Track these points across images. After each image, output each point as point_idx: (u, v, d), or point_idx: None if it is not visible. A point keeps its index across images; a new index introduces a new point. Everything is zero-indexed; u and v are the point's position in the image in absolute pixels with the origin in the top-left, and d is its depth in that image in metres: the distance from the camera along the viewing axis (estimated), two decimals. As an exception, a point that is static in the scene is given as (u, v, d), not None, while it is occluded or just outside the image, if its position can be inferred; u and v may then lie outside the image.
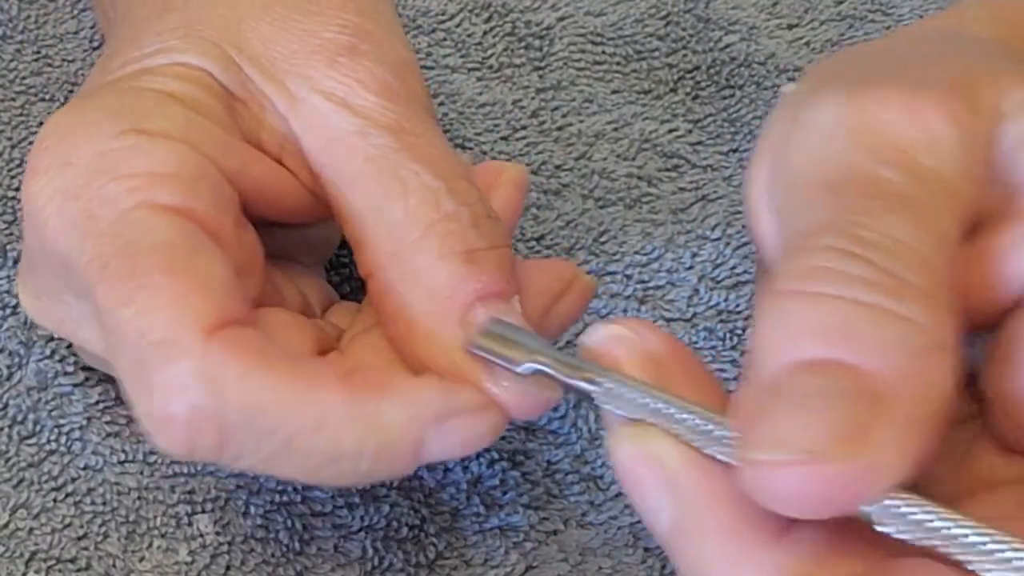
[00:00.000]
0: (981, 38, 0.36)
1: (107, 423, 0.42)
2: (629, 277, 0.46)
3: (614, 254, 0.47)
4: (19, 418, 0.42)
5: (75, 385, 0.43)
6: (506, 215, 0.40)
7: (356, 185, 0.38)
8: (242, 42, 0.39)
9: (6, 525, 0.41)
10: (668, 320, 0.45)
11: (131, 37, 0.40)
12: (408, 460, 0.36)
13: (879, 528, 0.29)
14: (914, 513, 0.28)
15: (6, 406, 0.43)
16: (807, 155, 0.33)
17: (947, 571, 0.28)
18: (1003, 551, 0.27)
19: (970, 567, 0.28)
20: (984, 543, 0.28)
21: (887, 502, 0.28)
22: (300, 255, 0.42)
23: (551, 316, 0.39)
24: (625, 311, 0.45)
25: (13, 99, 0.49)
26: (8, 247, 0.45)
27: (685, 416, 0.31)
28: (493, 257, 0.37)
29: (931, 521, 0.28)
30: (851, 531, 0.29)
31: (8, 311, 0.44)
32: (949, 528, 0.28)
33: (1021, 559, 0.27)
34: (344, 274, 0.45)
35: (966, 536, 0.28)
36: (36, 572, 0.40)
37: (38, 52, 0.51)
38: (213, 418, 0.35)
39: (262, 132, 0.39)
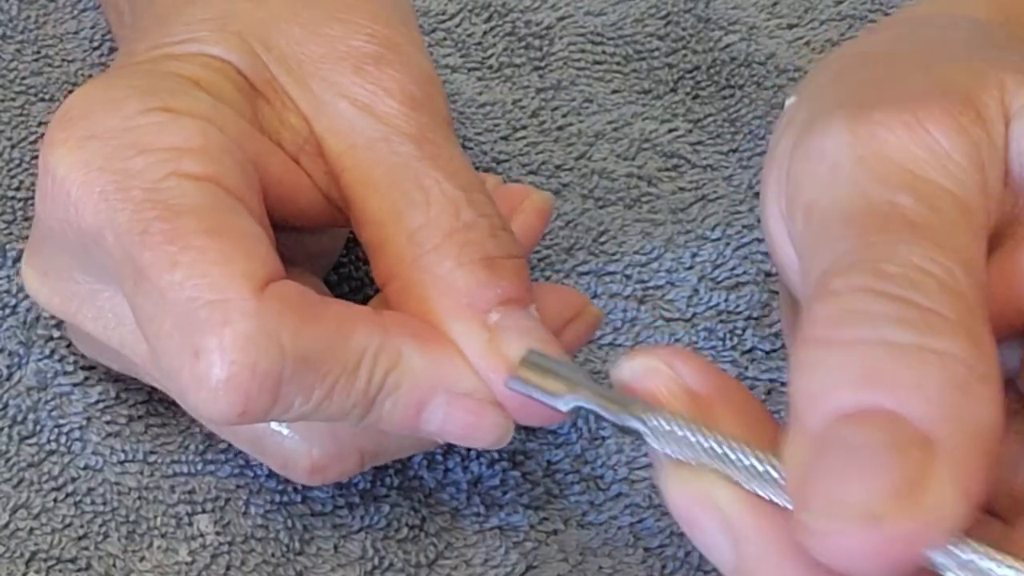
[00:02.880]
0: (979, 20, 0.36)
1: (107, 423, 0.42)
2: (629, 277, 0.46)
3: (614, 254, 0.47)
4: (19, 418, 0.42)
5: (75, 385, 0.43)
6: (525, 240, 0.40)
7: (377, 191, 0.38)
8: (270, 40, 0.40)
9: (6, 525, 0.41)
10: (668, 320, 0.45)
11: (159, 24, 0.41)
12: (409, 414, 0.36)
13: (945, 574, 0.28)
14: (977, 559, 0.28)
15: (6, 406, 0.43)
16: (819, 186, 0.32)
17: None
18: None
19: None
20: None
21: (951, 548, 0.28)
22: (301, 263, 0.42)
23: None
24: (625, 311, 0.45)
25: (13, 99, 0.49)
26: (8, 246, 0.45)
27: (737, 457, 0.31)
28: (511, 265, 0.37)
29: (995, 568, 0.28)
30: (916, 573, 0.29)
31: (8, 311, 0.44)
32: (1012, 573, 0.28)
33: None
34: (343, 274, 0.45)
35: None
36: (36, 572, 0.40)
37: (38, 52, 0.51)
38: (273, 375, 0.35)
39: (283, 130, 0.39)
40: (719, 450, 0.31)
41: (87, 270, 0.38)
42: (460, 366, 0.36)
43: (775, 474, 0.30)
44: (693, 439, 0.31)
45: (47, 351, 0.43)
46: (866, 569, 0.28)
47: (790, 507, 0.29)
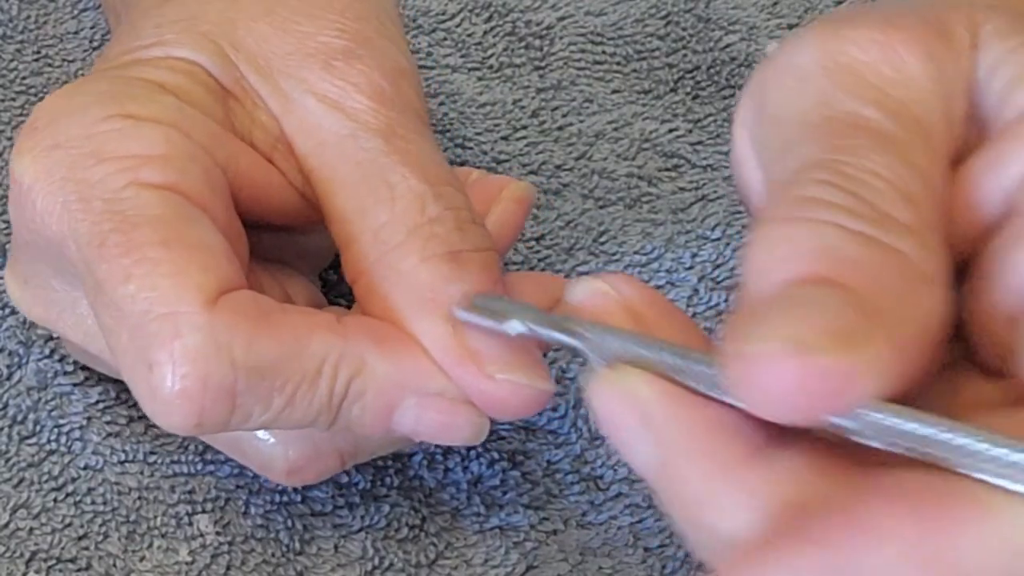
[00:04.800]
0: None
1: (107, 423, 0.42)
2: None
3: (614, 254, 0.47)
4: (19, 418, 0.42)
5: (75, 385, 0.43)
6: (505, 230, 0.40)
7: (345, 188, 0.38)
8: (238, 39, 0.40)
9: (6, 525, 0.41)
10: (668, 320, 0.45)
11: (131, 27, 0.41)
12: (379, 419, 0.37)
13: (859, 439, 0.29)
14: (898, 421, 0.28)
15: (6, 406, 0.43)
16: (786, 96, 0.33)
17: (931, 477, 0.28)
18: (993, 449, 0.27)
19: (961, 470, 0.28)
20: (972, 444, 0.27)
21: (868, 412, 0.28)
22: (292, 262, 0.42)
23: None
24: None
25: (13, 99, 0.49)
26: (7, 246, 0.45)
27: (664, 356, 0.31)
28: (478, 259, 0.37)
29: (915, 428, 0.28)
30: (828, 453, 0.29)
31: (8, 311, 0.44)
32: (935, 433, 0.28)
33: (1012, 455, 0.27)
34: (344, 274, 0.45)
35: (952, 439, 0.28)
36: (36, 572, 0.40)
37: (38, 52, 0.51)
38: (225, 387, 0.35)
39: (255, 130, 0.39)
40: (646, 352, 0.31)
41: (63, 277, 0.38)
42: (426, 368, 0.36)
43: (700, 368, 0.30)
44: (624, 346, 0.32)
45: (47, 351, 0.43)
46: (787, 408, 0.28)
47: (722, 398, 0.30)
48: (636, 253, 0.47)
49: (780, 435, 0.30)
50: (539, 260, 0.47)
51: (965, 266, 0.32)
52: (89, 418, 0.42)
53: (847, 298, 0.28)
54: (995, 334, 0.31)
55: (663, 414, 0.30)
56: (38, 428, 0.42)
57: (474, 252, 0.37)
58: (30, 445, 0.42)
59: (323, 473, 0.39)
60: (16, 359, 0.43)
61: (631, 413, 0.31)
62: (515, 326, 0.35)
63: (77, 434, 0.42)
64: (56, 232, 0.37)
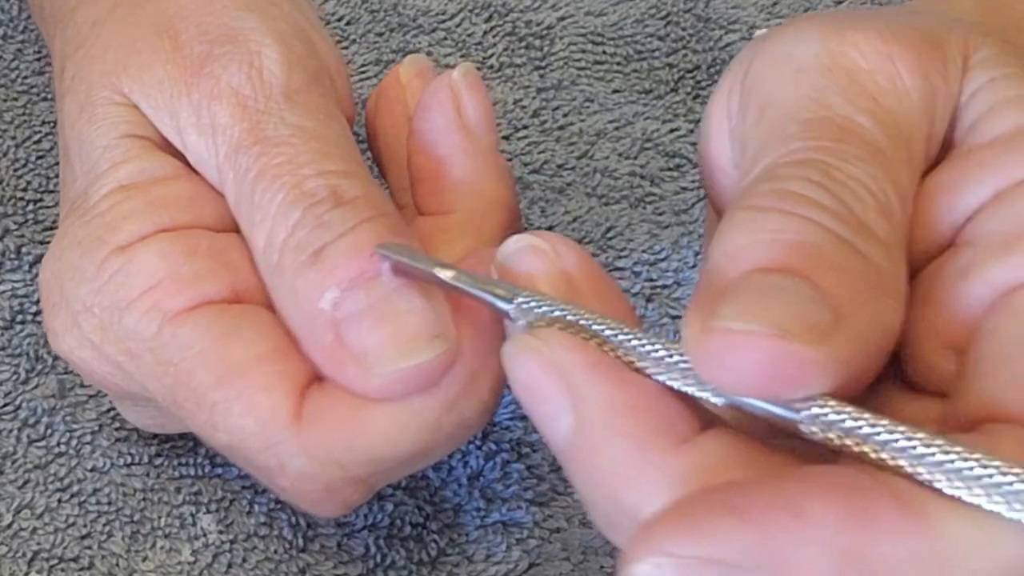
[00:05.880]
0: (964, 20, 0.37)
1: (116, 429, 0.42)
2: (637, 275, 0.46)
3: (622, 250, 0.47)
4: (30, 421, 0.42)
5: (91, 396, 0.43)
6: (483, 119, 0.39)
7: (236, 216, 0.37)
8: (131, 93, 0.38)
9: (9, 525, 0.41)
10: (673, 318, 0.45)
11: (75, 152, 0.39)
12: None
13: (808, 433, 0.29)
14: (841, 416, 0.28)
15: (18, 408, 0.42)
16: (781, 85, 0.33)
17: (864, 474, 0.28)
18: (936, 453, 0.27)
19: (900, 470, 0.28)
20: (915, 446, 0.28)
21: (817, 408, 0.29)
22: None
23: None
24: (634, 308, 0.45)
25: (15, 99, 0.49)
26: (23, 249, 0.45)
27: (595, 327, 0.31)
28: (341, 245, 0.35)
29: (860, 424, 0.28)
30: (751, 443, 0.30)
31: (28, 316, 0.44)
32: (880, 433, 0.28)
33: (957, 461, 0.27)
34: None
35: (893, 439, 0.28)
36: (38, 572, 0.40)
37: (39, 52, 0.51)
38: (348, 479, 0.35)
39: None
40: (579, 322, 0.31)
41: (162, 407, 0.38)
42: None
43: (634, 342, 0.30)
44: (556, 315, 0.31)
45: (70, 366, 0.43)
46: (747, 385, 0.28)
47: (655, 374, 0.30)
48: (644, 252, 0.47)
49: (701, 421, 0.30)
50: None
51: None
52: (101, 425, 0.42)
53: (817, 294, 0.29)
54: (928, 356, 0.31)
55: (587, 384, 0.30)
56: (49, 432, 0.42)
57: (338, 240, 0.35)
58: (38, 448, 0.42)
59: (348, 503, 0.37)
60: (32, 365, 0.43)
61: (552, 380, 0.30)
62: (446, 274, 0.34)
63: (88, 439, 0.42)
64: (125, 388, 0.37)
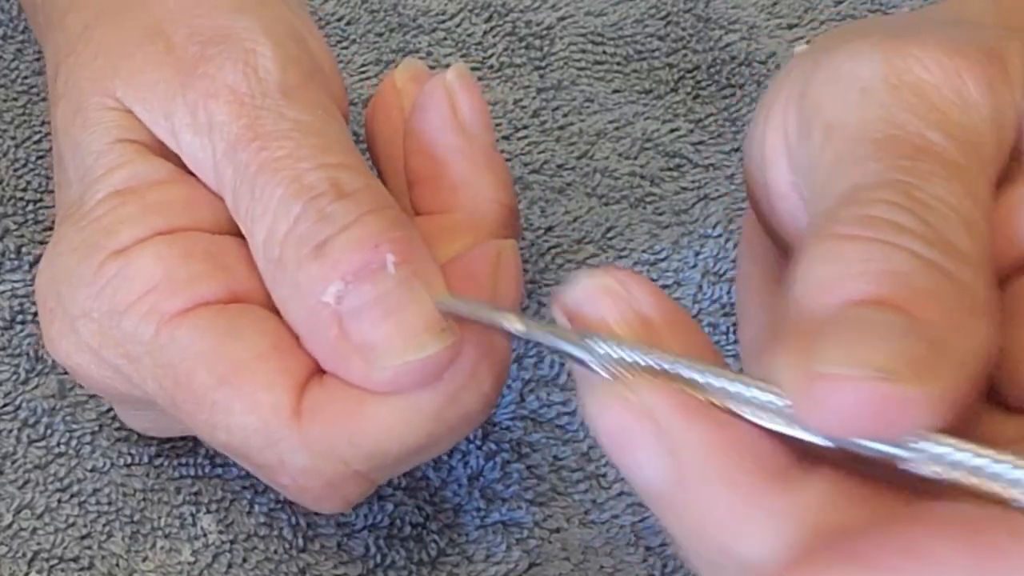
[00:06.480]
0: (984, 24, 0.36)
1: (116, 429, 0.42)
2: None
3: (622, 250, 0.47)
4: (30, 421, 0.42)
5: (90, 396, 0.43)
6: (476, 119, 0.39)
7: (235, 213, 0.37)
8: (124, 98, 0.38)
9: (9, 525, 0.41)
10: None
11: (70, 157, 0.39)
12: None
13: (916, 469, 0.28)
14: (952, 450, 0.28)
15: (18, 408, 0.42)
16: (845, 107, 0.32)
17: (984, 509, 0.27)
18: None
19: (1015, 503, 0.27)
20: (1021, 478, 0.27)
21: (924, 443, 0.28)
22: None
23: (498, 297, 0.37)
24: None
25: (15, 99, 0.49)
26: (23, 249, 0.45)
27: (679, 368, 0.30)
28: (344, 238, 0.35)
29: (968, 458, 0.28)
30: (856, 480, 0.29)
31: (28, 317, 0.44)
32: (987, 465, 0.28)
33: None
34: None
35: (1007, 470, 0.27)
36: (38, 572, 0.40)
37: (39, 52, 0.51)
38: (351, 474, 0.36)
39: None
40: (665, 367, 0.30)
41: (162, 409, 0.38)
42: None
43: (722, 384, 0.29)
44: (640, 359, 0.30)
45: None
46: (850, 428, 0.28)
47: (749, 417, 0.29)
48: (644, 252, 0.47)
49: (802, 460, 0.29)
50: (549, 248, 0.47)
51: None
52: (101, 425, 0.42)
53: (916, 326, 0.28)
54: (1020, 376, 0.31)
55: (681, 429, 0.29)
56: (49, 432, 0.42)
57: (340, 233, 0.35)
58: (38, 448, 0.42)
59: (349, 499, 0.37)
60: (32, 365, 0.43)
61: (643, 428, 0.29)
62: (512, 322, 0.33)
63: (88, 439, 0.42)
64: (123, 391, 0.37)
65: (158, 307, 0.36)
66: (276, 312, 0.36)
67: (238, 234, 0.37)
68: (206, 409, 0.35)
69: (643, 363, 0.30)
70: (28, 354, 0.43)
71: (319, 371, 0.36)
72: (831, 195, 0.31)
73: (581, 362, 0.31)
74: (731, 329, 0.45)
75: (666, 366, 0.30)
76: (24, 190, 0.47)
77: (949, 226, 0.30)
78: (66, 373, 0.43)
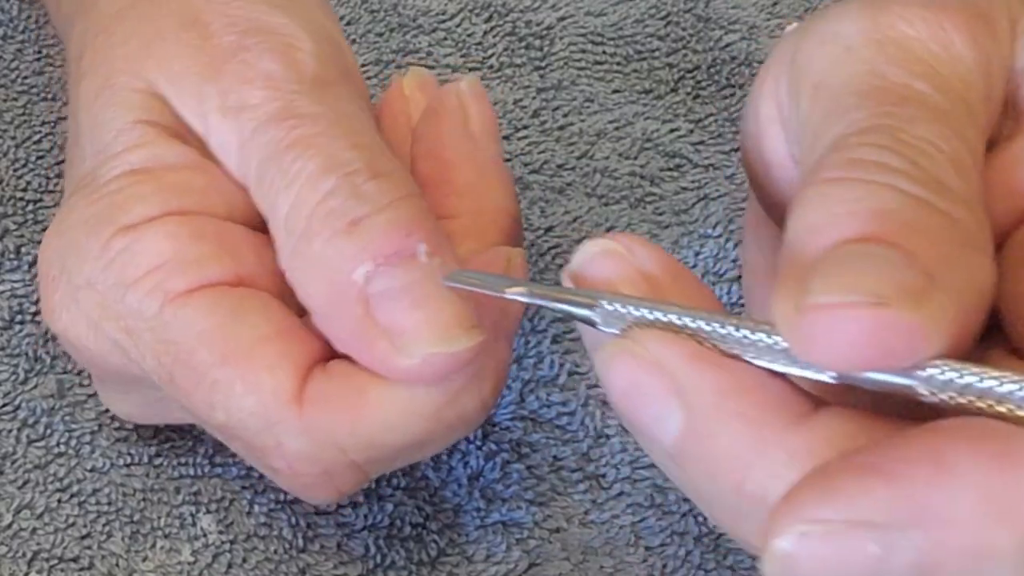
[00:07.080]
0: None
1: (116, 429, 0.42)
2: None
3: (623, 250, 0.47)
4: (30, 421, 0.42)
5: (90, 396, 0.43)
6: (486, 129, 0.39)
7: (258, 188, 0.37)
8: (156, 81, 0.38)
9: (9, 525, 0.41)
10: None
11: (87, 136, 0.39)
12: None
13: (924, 396, 0.28)
14: (963, 373, 0.28)
15: (17, 408, 0.42)
16: (832, 64, 0.32)
17: (1005, 426, 0.27)
18: None
19: None
20: None
21: (931, 369, 0.28)
22: None
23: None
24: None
25: (15, 99, 0.49)
26: (22, 249, 0.45)
27: (686, 320, 0.30)
28: (380, 219, 0.35)
29: (980, 380, 0.28)
30: (868, 417, 0.29)
31: (28, 317, 0.44)
32: (1001, 384, 0.27)
33: None
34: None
35: (1018, 391, 0.27)
36: (38, 572, 0.40)
37: (39, 52, 0.51)
38: (347, 464, 0.36)
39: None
40: (670, 319, 0.30)
41: (155, 390, 0.38)
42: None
43: (737, 332, 0.29)
44: (648, 316, 0.30)
45: (69, 366, 0.43)
46: (851, 359, 0.27)
47: (758, 361, 0.29)
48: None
49: (813, 400, 0.29)
50: (549, 248, 0.47)
51: (996, 250, 0.31)
52: (100, 425, 0.42)
53: (906, 258, 0.28)
54: None
55: (691, 377, 0.29)
56: (48, 432, 0.42)
57: (375, 213, 0.35)
58: (38, 448, 0.42)
59: (341, 489, 0.37)
60: (31, 365, 0.43)
61: (653, 379, 0.29)
62: (518, 291, 0.33)
63: (87, 439, 0.42)
64: (119, 366, 0.37)
65: (164, 284, 0.36)
66: (282, 300, 0.36)
67: (250, 225, 0.37)
68: (206, 388, 0.35)
69: (650, 317, 0.30)
70: (27, 354, 0.43)
71: (322, 359, 0.36)
72: (819, 149, 0.31)
73: (590, 322, 0.31)
74: (731, 328, 0.45)
75: (673, 318, 0.30)
76: (24, 190, 0.47)
77: (936, 165, 0.30)
78: (65, 372, 0.43)
